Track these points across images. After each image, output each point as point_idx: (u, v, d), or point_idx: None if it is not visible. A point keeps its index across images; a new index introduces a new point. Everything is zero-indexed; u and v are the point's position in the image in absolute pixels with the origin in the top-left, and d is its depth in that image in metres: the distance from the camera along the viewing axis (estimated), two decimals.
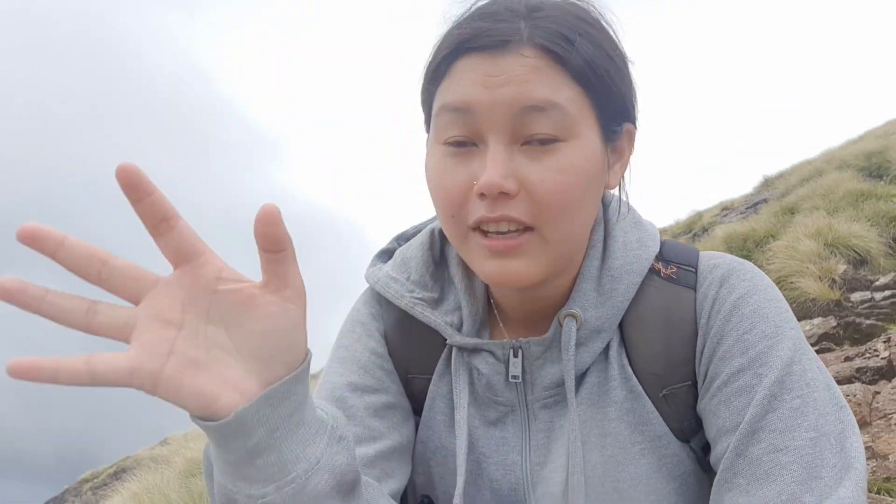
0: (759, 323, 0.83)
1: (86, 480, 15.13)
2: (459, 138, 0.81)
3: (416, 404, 0.97)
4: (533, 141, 0.79)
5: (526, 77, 0.77)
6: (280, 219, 0.59)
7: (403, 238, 1.08)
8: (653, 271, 0.92)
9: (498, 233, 0.80)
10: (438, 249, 1.00)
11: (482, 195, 0.78)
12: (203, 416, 0.62)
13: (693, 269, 0.92)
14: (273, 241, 0.60)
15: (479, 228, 0.81)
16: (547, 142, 0.79)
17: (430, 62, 0.84)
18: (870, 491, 2.72)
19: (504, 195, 0.78)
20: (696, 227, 11.60)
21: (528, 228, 0.80)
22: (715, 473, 0.81)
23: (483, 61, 0.78)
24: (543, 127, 0.78)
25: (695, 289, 0.90)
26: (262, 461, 0.64)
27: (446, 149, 0.82)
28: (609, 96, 0.83)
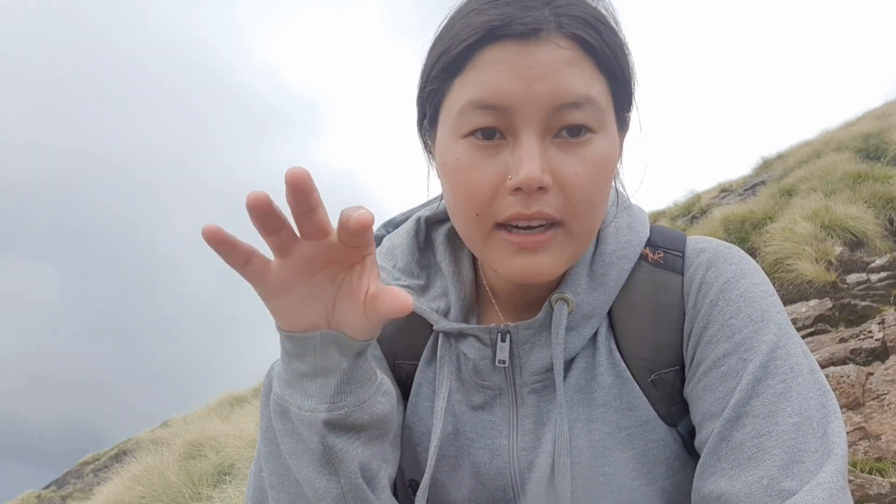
0: (746, 307, 0.84)
1: (87, 463, 15.23)
2: (488, 131, 0.78)
3: (404, 390, 0.97)
4: (564, 133, 0.78)
5: (562, 70, 0.76)
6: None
7: (392, 224, 1.08)
8: (641, 256, 0.93)
9: (527, 227, 0.79)
10: (423, 237, 1.00)
11: (517, 190, 0.77)
12: (289, 330, 0.72)
13: (680, 254, 0.92)
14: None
15: (503, 225, 0.79)
16: (580, 134, 0.78)
17: (447, 50, 0.80)
18: (861, 471, 2.75)
19: (540, 190, 0.76)
20: (694, 210, 11.60)
21: (553, 223, 0.79)
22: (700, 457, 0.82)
23: (516, 52, 0.75)
24: (579, 119, 0.77)
25: (682, 273, 0.90)
26: (323, 381, 0.74)
27: (470, 142, 0.79)
28: (624, 86, 0.83)
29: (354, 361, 0.75)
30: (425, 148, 0.93)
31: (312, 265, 0.69)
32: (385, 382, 0.82)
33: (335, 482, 0.77)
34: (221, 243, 0.63)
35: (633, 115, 0.89)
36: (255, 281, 0.68)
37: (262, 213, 0.62)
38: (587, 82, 0.77)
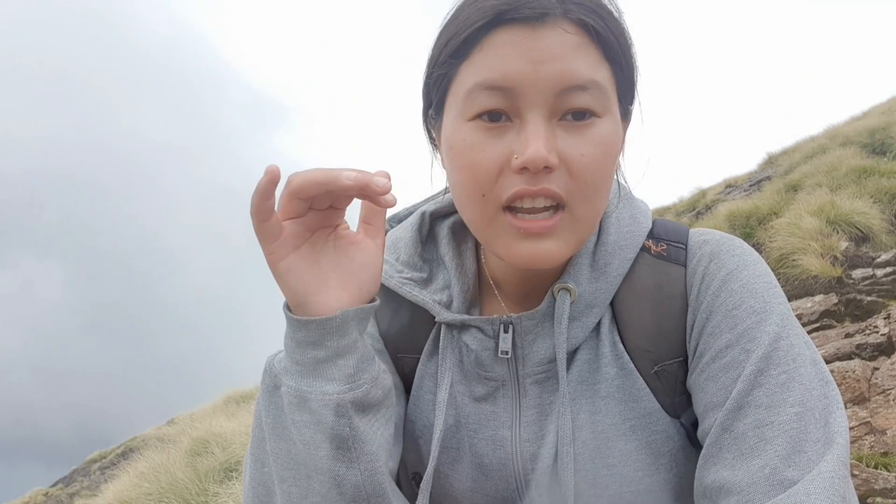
0: (748, 298, 0.84)
1: (94, 461, 15.29)
2: (494, 113, 0.79)
3: (406, 383, 0.98)
4: (570, 116, 0.78)
5: (569, 54, 0.77)
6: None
7: (395, 220, 1.08)
8: (644, 249, 0.93)
9: (532, 211, 0.79)
10: (427, 230, 1.00)
11: (524, 169, 0.77)
12: (298, 310, 0.78)
13: (683, 246, 0.92)
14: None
15: (509, 209, 0.80)
16: (585, 117, 0.79)
17: (455, 35, 0.81)
18: (867, 465, 2.75)
19: (546, 170, 0.77)
20: (699, 205, 11.59)
21: (559, 207, 0.80)
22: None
23: (523, 35, 0.77)
24: (584, 103, 0.78)
25: (685, 265, 0.90)
26: (342, 362, 0.78)
27: (477, 124, 0.80)
28: (628, 74, 0.84)
29: (363, 339, 0.80)
30: (430, 139, 0.93)
31: (309, 227, 0.78)
32: (377, 360, 0.85)
33: (355, 468, 0.78)
34: (271, 184, 0.71)
35: (636, 109, 0.90)
36: (270, 238, 0.75)
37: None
38: (592, 67, 0.78)
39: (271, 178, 0.71)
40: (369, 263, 0.82)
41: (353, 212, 0.84)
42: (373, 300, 0.83)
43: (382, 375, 0.82)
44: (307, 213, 0.76)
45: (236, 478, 5.22)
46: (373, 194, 0.74)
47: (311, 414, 0.77)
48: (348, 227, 0.82)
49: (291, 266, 0.77)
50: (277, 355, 0.82)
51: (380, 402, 0.82)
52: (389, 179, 0.74)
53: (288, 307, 0.79)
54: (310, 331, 0.76)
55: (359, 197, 0.76)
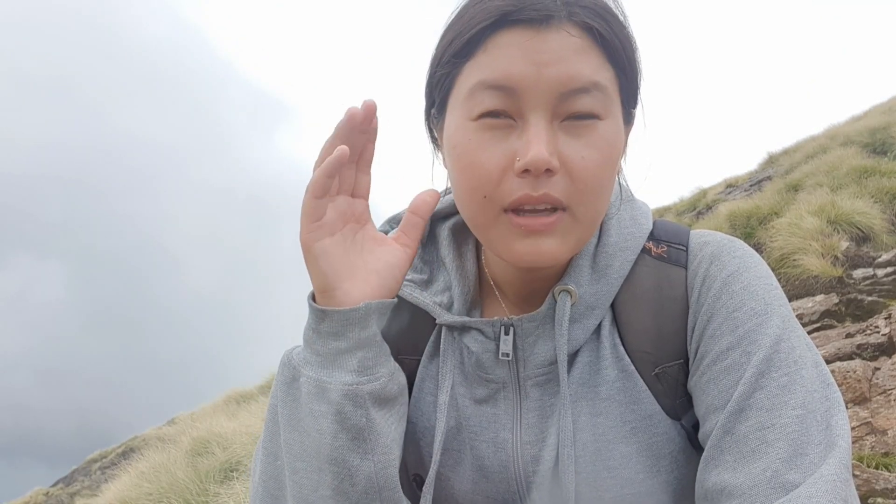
0: (749, 300, 0.84)
1: (94, 460, 15.30)
2: (496, 113, 0.79)
3: (407, 385, 0.98)
4: (572, 118, 0.79)
5: (572, 57, 0.77)
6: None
7: (395, 221, 1.08)
8: (644, 250, 0.93)
9: (533, 211, 0.79)
10: (427, 232, 1.00)
11: (526, 172, 0.77)
12: (323, 298, 0.81)
13: (684, 248, 0.92)
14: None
15: (512, 210, 0.80)
16: (587, 119, 0.79)
17: (459, 35, 0.81)
18: (868, 466, 2.75)
19: (547, 172, 0.77)
20: (700, 205, 11.59)
21: (559, 208, 0.80)
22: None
23: (527, 36, 0.77)
24: (586, 106, 0.78)
25: (685, 267, 0.90)
26: (362, 354, 0.81)
27: (480, 124, 0.80)
28: (631, 78, 0.84)
29: (379, 335, 0.83)
30: (431, 139, 0.93)
31: (343, 217, 0.83)
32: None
33: (368, 460, 0.81)
34: (340, 162, 0.77)
35: (639, 113, 0.90)
36: (315, 216, 0.79)
37: (366, 120, 0.81)
38: (595, 69, 0.78)
39: (341, 157, 0.76)
40: (394, 266, 0.85)
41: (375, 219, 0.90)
42: (394, 296, 0.86)
43: (397, 372, 0.85)
44: (336, 197, 0.82)
45: (237, 478, 5.22)
46: (360, 121, 0.80)
47: (329, 404, 0.79)
48: (375, 229, 0.87)
49: (326, 249, 0.80)
50: (294, 349, 0.85)
51: (395, 398, 0.85)
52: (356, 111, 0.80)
53: (313, 297, 0.82)
54: (334, 321, 0.79)
55: (358, 131, 0.81)
